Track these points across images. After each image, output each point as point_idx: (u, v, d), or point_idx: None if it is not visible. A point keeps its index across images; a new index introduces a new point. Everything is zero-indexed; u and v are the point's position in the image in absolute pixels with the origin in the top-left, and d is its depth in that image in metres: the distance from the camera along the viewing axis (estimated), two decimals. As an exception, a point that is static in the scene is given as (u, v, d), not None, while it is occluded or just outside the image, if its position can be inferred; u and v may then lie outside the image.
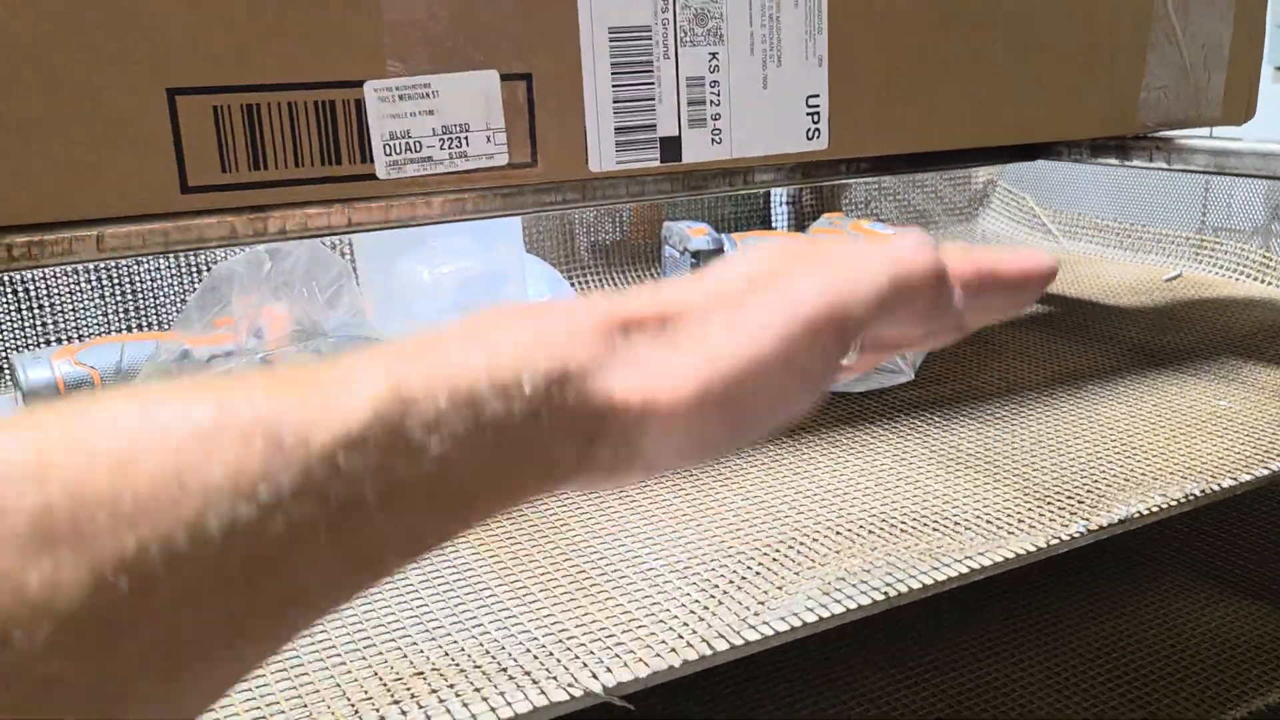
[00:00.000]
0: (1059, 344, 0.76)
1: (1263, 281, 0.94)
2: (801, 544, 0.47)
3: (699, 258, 0.84)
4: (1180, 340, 0.76)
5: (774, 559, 0.46)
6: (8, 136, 0.44)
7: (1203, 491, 0.52)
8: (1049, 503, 0.51)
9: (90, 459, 0.21)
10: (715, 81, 0.58)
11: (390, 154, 0.52)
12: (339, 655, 0.40)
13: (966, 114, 0.67)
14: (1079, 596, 0.70)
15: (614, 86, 0.56)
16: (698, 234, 0.85)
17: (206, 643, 0.22)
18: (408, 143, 0.52)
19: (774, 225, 1.05)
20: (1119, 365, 0.71)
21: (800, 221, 1.03)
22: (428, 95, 0.52)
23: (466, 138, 0.53)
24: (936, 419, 0.62)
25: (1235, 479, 0.54)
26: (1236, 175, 0.68)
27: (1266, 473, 0.54)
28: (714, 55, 0.58)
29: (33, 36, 0.43)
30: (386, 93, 0.51)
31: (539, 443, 0.25)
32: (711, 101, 0.59)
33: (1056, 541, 0.48)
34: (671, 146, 0.58)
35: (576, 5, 0.54)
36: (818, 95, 0.61)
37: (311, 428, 0.22)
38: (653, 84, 0.57)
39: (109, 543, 0.20)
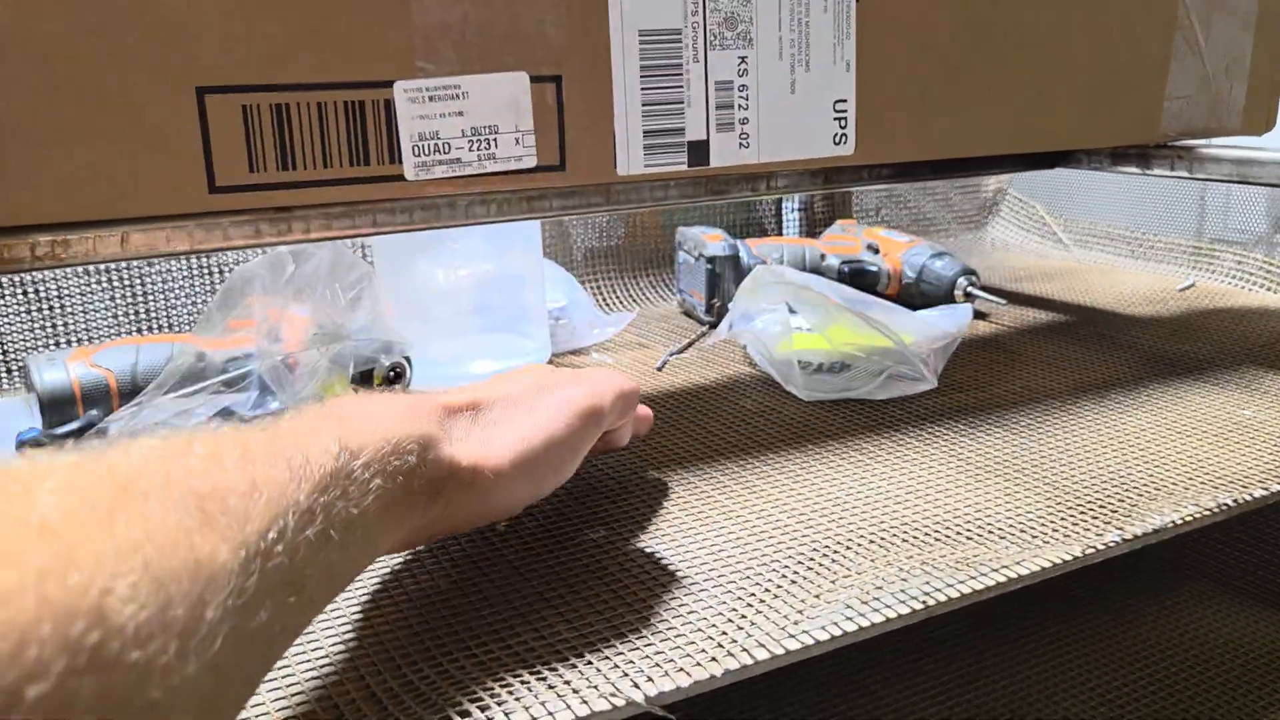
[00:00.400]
0: (1079, 352, 0.76)
1: (1272, 290, 0.94)
2: (837, 553, 0.47)
3: (714, 263, 0.84)
4: (1199, 350, 0.76)
5: (810, 568, 0.46)
6: (32, 134, 0.43)
7: (1235, 501, 0.52)
8: (1082, 512, 0.51)
9: (211, 466, 0.27)
10: (744, 85, 0.58)
11: (419, 155, 0.51)
12: (374, 667, 0.39)
13: (993, 121, 0.66)
14: (1102, 606, 0.70)
15: (643, 89, 0.55)
16: (713, 239, 0.85)
17: (295, 626, 0.30)
18: (437, 144, 0.52)
19: (785, 232, 1.04)
20: (1140, 374, 0.70)
21: (811, 228, 1.03)
22: (457, 96, 0.52)
23: (495, 139, 0.53)
24: (962, 426, 0.62)
25: (1267, 489, 0.53)
26: (1260, 185, 0.68)
27: (1298, 483, 0.54)
28: (743, 59, 0.58)
29: (60, 34, 0.42)
30: (416, 93, 0.50)
31: (413, 491, 0.37)
32: (740, 105, 0.58)
33: (1093, 551, 0.48)
34: (699, 150, 0.58)
35: (608, 6, 0.53)
36: (845, 100, 0.61)
37: (308, 463, 0.31)
38: (682, 87, 0.56)
39: (243, 526, 0.26)
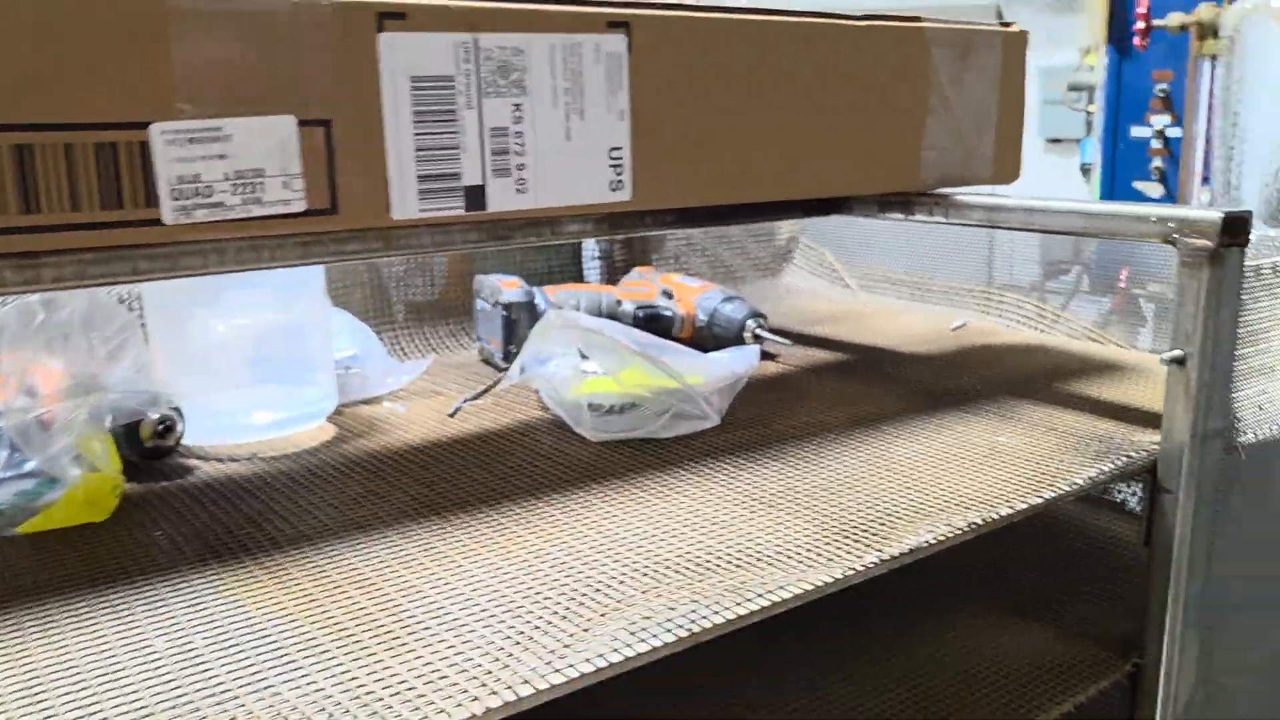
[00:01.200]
0: (857, 389, 0.80)
1: (1038, 330, 1.02)
2: (609, 586, 0.48)
3: (510, 310, 0.84)
4: (964, 383, 0.81)
5: (580, 602, 0.46)
6: None
7: (984, 520, 0.56)
8: (846, 536, 0.53)
9: None
10: (520, 132, 0.59)
11: (178, 199, 0.50)
12: (113, 727, 0.37)
13: (766, 169, 0.70)
14: (879, 629, 0.73)
15: (416, 135, 0.55)
16: (509, 286, 0.86)
17: None
18: (197, 188, 0.50)
19: (586, 278, 1.06)
20: (910, 407, 0.75)
21: (611, 275, 1.04)
22: (219, 139, 0.50)
23: (261, 183, 0.52)
24: (742, 461, 0.64)
25: (1012, 507, 0.57)
26: (1007, 228, 0.74)
27: (1040, 500, 0.58)
28: (518, 106, 0.59)
29: None
30: (174, 135, 0.49)
31: None
32: (516, 151, 0.59)
33: (852, 572, 0.50)
34: (476, 195, 0.58)
35: (377, 53, 0.54)
36: (621, 148, 0.63)
37: None
38: (456, 133, 0.57)
39: None
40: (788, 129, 0.70)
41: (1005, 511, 0.57)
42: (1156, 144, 1.59)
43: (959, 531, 0.54)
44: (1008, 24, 0.80)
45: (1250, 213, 0.62)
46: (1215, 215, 0.61)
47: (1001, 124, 0.81)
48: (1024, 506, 0.58)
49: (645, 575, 0.49)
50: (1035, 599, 0.78)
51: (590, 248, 1.06)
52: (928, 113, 0.76)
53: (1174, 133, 1.57)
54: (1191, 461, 0.64)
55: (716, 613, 0.45)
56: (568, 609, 0.45)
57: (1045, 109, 2.63)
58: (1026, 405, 0.75)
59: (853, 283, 1.16)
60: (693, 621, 0.44)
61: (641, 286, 0.94)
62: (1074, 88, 1.89)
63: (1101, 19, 1.64)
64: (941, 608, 0.77)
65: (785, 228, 1.19)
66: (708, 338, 0.89)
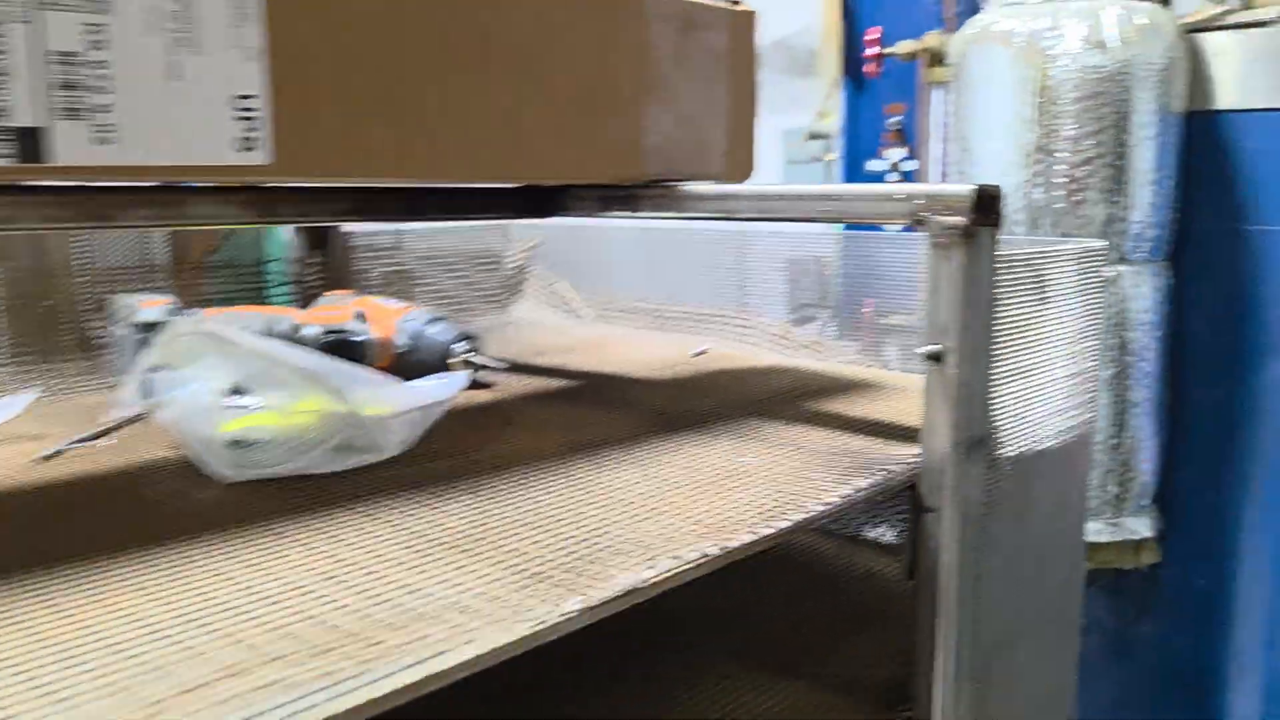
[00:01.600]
0: (580, 414, 0.68)
1: (782, 352, 0.94)
2: (176, 670, 0.32)
3: (150, 331, 0.67)
4: (705, 406, 0.70)
5: (121, 697, 0.30)
6: None
7: (721, 550, 0.44)
8: (544, 579, 0.40)
9: None
10: (99, 60, 0.44)
11: None
12: None
13: (458, 144, 0.57)
14: (623, 695, 0.60)
15: (-72, 49, 0.39)
16: (151, 305, 0.68)
17: None
18: None
19: (272, 301, 0.89)
20: (641, 432, 0.63)
21: (305, 300, 0.89)
22: None
23: None
24: (424, 498, 0.50)
25: (755, 533, 0.46)
26: (741, 219, 0.64)
27: (788, 524, 0.47)
28: (95, 27, 0.44)
29: None
30: None
31: None
32: (94, 87, 0.44)
33: (545, 625, 0.37)
34: (31, 141, 0.43)
35: None
36: (253, 96, 0.48)
37: None
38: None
39: None
40: (485, 97, 0.58)
41: (747, 538, 0.45)
42: (893, 176, 1.60)
43: (688, 565, 0.42)
44: (736, 2, 0.71)
45: (999, 187, 0.55)
46: (966, 189, 0.53)
47: (732, 114, 0.72)
48: (769, 531, 0.46)
49: (249, 647, 0.34)
50: (796, 651, 0.68)
51: (279, 269, 0.90)
52: (648, 92, 0.66)
53: (910, 165, 1.58)
54: (955, 473, 0.55)
55: (331, 699, 0.31)
56: (95, 708, 0.30)
57: (789, 169, 2.67)
58: (772, 425, 0.65)
59: (589, 313, 1.05)
60: (292, 714, 0.30)
61: (333, 310, 0.78)
62: (814, 136, 1.91)
63: (837, 52, 1.65)
64: (695, 663, 0.65)
65: (514, 254, 1.07)
66: (410, 364, 0.75)
